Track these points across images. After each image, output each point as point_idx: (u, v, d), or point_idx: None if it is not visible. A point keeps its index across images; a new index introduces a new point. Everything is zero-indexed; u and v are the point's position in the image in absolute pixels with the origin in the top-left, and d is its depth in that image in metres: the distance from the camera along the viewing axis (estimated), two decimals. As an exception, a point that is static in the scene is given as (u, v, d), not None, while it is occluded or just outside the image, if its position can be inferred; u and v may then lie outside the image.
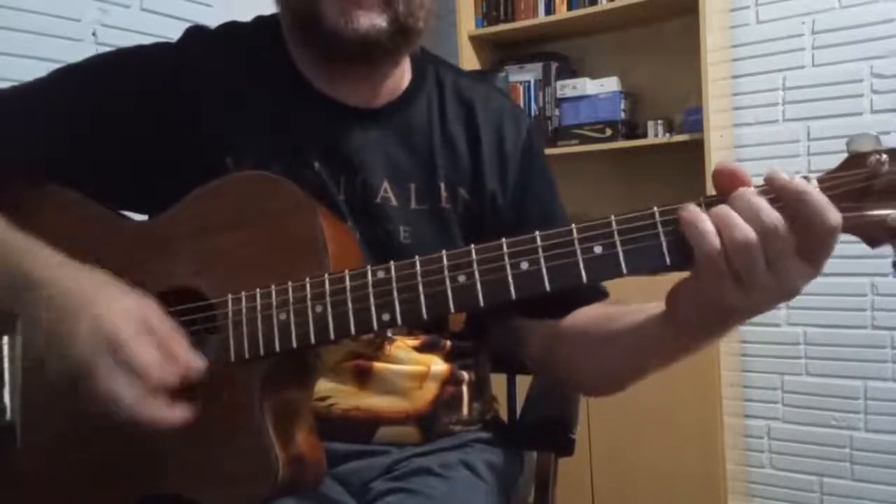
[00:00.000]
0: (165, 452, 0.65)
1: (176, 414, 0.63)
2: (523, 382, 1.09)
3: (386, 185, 0.82)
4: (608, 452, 2.17)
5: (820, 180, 0.55)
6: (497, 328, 0.91)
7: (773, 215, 0.53)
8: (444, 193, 0.84)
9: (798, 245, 0.54)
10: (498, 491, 0.85)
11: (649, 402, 2.08)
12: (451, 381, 0.87)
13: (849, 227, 0.55)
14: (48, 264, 0.69)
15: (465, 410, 0.89)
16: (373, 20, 0.75)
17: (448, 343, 0.86)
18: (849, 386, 2.18)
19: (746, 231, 0.53)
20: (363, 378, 0.81)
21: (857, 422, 2.18)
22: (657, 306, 0.67)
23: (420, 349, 0.84)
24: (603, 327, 0.77)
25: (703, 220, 0.55)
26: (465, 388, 0.89)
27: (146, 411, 0.62)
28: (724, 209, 0.55)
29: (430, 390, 0.85)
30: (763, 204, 0.54)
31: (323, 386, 0.79)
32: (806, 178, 0.55)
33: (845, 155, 0.56)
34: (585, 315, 0.82)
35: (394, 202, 0.83)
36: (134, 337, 0.63)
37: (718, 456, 2.07)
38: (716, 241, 0.54)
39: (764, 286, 0.55)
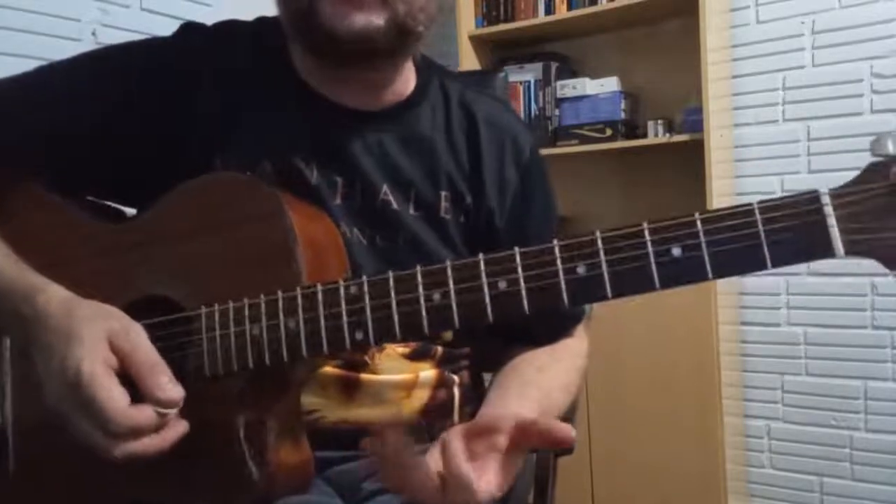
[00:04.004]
0: (146, 463, 0.63)
1: (154, 444, 0.61)
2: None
3: (386, 188, 0.81)
4: (608, 452, 2.17)
5: (833, 196, 0.50)
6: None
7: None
8: (444, 203, 0.83)
9: None
10: None
11: (649, 402, 2.08)
12: (442, 384, 0.85)
13: (865, 252, 0.49)
14: (41, 302, 0.67)
15: (455, 416, 0.87)
16: (369, 19, 0.72)
17: (440, 349, 0.85)
18: (849, 386, 2.18)
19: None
20: (350, 391, 0.80)
21: (857, 422, 2.17)
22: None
23: (411, 357, 0.83)
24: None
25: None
26: (456, 391, 0.87)
27: (119, 452, 0.60)
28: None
29: (419, 398, 0.83)
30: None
31: (309, 399, 0.78)
32: (815, 192, 0.50)
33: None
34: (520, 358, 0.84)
35: (394, 206, 0.81)
36: (100, 383, 0.60)
37: (718, 456, 2.07)
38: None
39: None
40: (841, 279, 2.16)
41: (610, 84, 2.39)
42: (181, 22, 0.85)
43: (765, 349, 2.30)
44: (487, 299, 0.57)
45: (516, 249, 0.57)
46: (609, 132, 2.36)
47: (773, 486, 2.31)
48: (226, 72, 0.81)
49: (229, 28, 0.85)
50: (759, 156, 2.28)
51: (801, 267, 2.23)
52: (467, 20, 2.55)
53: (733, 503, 2.13)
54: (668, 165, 2.34)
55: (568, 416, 0.96)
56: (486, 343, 0.91)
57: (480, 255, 0.58)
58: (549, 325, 0.87)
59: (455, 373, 0.88)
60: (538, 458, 0.99)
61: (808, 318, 2.24)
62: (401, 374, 0.82)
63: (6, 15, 1.63)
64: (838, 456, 2.20)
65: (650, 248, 0.53)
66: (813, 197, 0.50)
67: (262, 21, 0.86)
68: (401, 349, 0.82)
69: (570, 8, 2.39)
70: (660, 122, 2.29)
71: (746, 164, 2.30)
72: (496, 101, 0.92)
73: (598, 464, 2.19)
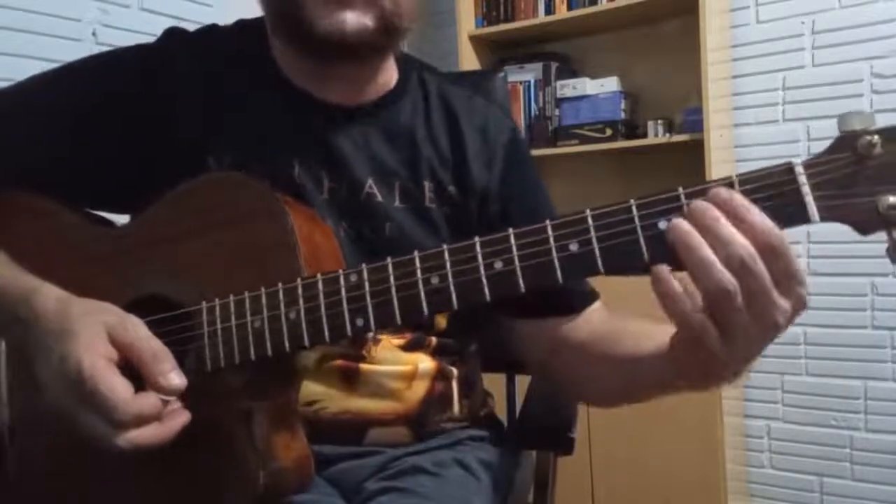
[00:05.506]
0: (145, 462, 0.64)
1: (159, 432, 0.61)
2: (523, 382, 1.09)
3: (370, 181, 0.82)
4: (608, 452, 2.17)
5: (806, 165, 0.52)
6: (492, 327, 0.91)
7: (746, 247, 0.50)
8: (428, 193, 0.84)
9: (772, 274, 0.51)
10: (492, 489, 0.85)
11: (649, 402, 2.08)
12: (440, 376, 0.86)
13: (838, 217, 0.52)
14: (38, 302, 0.67)
15: (455, 408, 0.89)
16: (360, 19, 0.74)
17: (434, 340, 0.86)
18: (849, 386, 2.18)
19: (725, 276, 0.51)
20: (350, 381, 0.81)
21: (857, 422, 2.18)
22: (663, 335, 0.63)
23: (406, 348, 0.84)
24: (604, 346, 0.77)
25: (669, 281, 0.52)
26: (454, 384, 0.88)
27: (124, 441, 0.60)
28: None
29: (419, 389, 0.84)
30: (734, 236, 0.50)
31: (310, 390, 0.79)
32: (789, 163, 0.52)
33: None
34: (590, 327, 0.82)
35: (378, 198, 0.82)
36: (101, 376, 0.60)
37: (718, 456, 2.06)
38: (686, 302, 0.52)
39: (747, 332, 0.53)
40: (841, 279, 2.16)
41: (610, 84, 2.39)
42: (181, 22, 0.87)
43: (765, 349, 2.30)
44: (484, 280, 0.58)
45: (510, 230, 0.58)
46: (609, 132, 2.36)
47: (773, 486, 2.32)
48: (211, 74, 0.82)
49: (212, 32, 0.87)
50: (759, 156, 2.28)
51: (801, 267, 2.23)
52: (467, 20, 2.55)
53: (733, 503, 2.13)
54: (668, 165, 2.33)
55: (570, 417, 0.96)
56: (487, 338, 0.91)
57: (476, 238, 0.59)
58: (575, 294, 0.85)
59: (451, 365, 0.89)
60: (538, 458, 1.00)
61: (808, 318, 2.23)
62: (399, 365, 0.83)
63: (6, 15, 1.63)
64: (838, 456, 2.20)
65: (637, 223, 0.55)
66: (787, 168, 0.53)
67: (241, 23, 0.88)
68: (396, 340, 0.83)
69: (570, 8, 2.39)
70: (660, 122, 2.29)
71: (746, 165, 2.30)
72: (475, 93, 0.93)
73: (598, 464, 2.19)
